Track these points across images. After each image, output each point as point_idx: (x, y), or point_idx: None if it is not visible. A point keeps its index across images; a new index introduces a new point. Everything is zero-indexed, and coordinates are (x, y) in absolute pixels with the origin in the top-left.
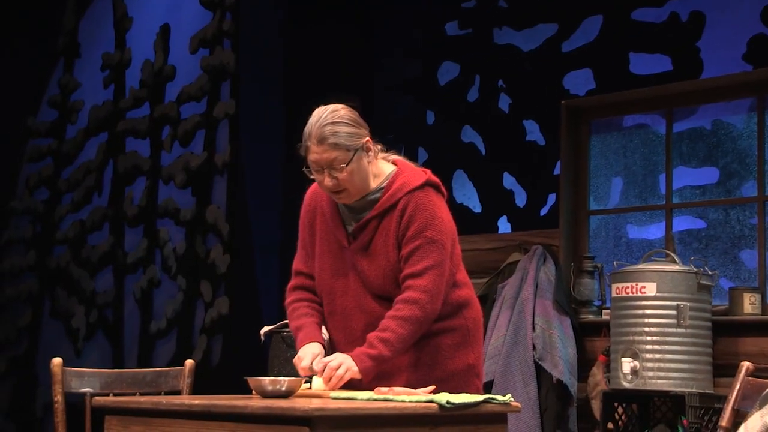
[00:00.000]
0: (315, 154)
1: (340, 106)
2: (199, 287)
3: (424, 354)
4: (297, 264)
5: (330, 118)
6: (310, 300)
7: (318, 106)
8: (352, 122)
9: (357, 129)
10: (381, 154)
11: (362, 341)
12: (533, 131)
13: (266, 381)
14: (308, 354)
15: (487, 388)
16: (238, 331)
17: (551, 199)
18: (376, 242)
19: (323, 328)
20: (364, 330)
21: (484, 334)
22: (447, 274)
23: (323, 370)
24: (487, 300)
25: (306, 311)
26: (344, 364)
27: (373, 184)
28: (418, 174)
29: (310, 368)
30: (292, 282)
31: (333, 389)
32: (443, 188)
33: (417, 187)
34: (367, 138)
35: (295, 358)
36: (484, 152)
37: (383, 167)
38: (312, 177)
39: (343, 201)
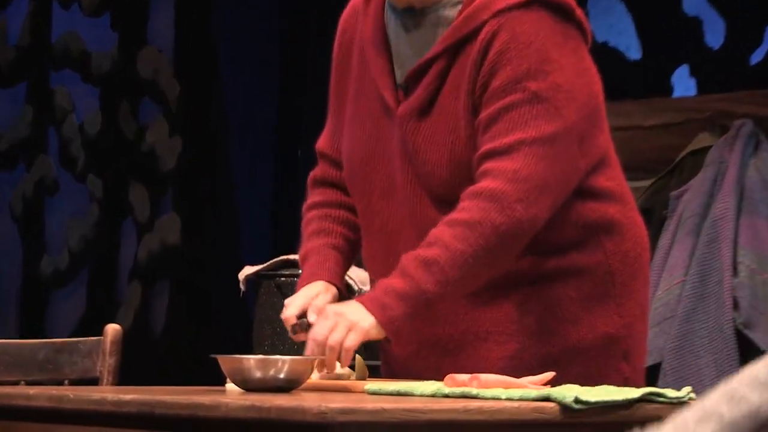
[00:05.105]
0: None
1: None
2: (126, 196)
3: (528, 313)
4: (322, 140)
5: None
6: (334, 205)
7: None
8: None
9: None
10: None
11: None
12: None
13: (252, 362)
14: (298, 299)
15: (651, 374)
16: (197, 275)
17: None
18: (442, 101)
19: (347, 257)
20: None
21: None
22: (566, 161)
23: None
24: (652, 219)
25: (320, 227)
26: (342, 319)
27: None
28: None
29: (299, 324)
30: (313, 172)
31: (332, 372)
32: (578, 13)
33: (516, 5)
34: None
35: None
36: None
37: None
38: None
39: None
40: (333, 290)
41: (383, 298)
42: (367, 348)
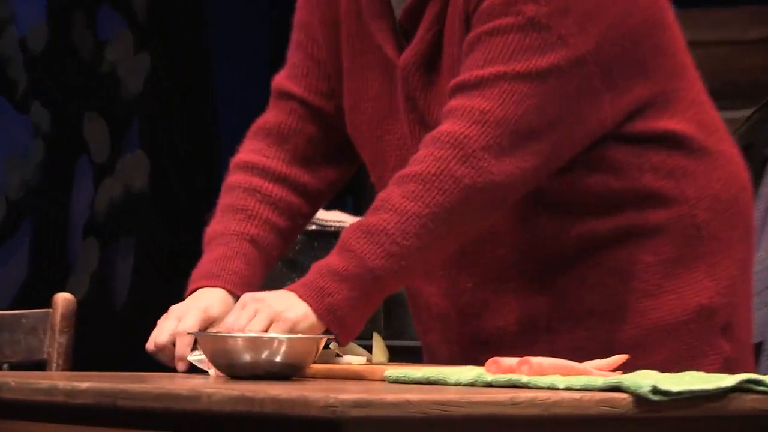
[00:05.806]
0: None
1: None
2: (80, 130)
3: (595, 289)
4: (286, 78)
5: None
6: (270, 175)
7: None
8: None
9: None
10: None
11: (441, 271)
12: None
13: (240, 342)
14: (193, 314)
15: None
16: (169, 230)
17: None
18: (448, 44)
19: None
20: None
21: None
22: (569, 100)
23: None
24: (752, 159)
25: (241, 203)
26: (264, 306)
27: None
28: None
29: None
30: (262, 118)
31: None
32: None
33: None
34: None
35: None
36: None
37: None
38: None
39: None
40: (230, 305)
41: (319, 282)
42: (388, 327)
